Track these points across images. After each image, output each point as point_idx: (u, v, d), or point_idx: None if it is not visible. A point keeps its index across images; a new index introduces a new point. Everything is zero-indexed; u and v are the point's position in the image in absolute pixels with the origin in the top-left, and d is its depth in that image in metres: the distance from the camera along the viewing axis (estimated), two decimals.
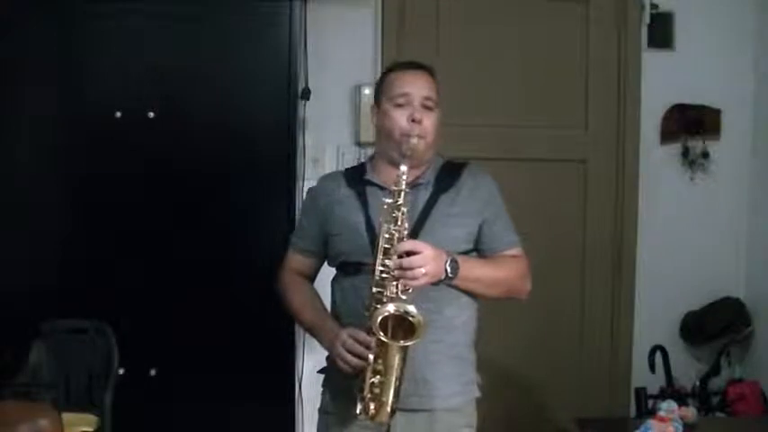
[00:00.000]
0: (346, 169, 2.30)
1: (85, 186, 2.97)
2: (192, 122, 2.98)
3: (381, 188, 2.09)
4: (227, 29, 2.98)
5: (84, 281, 2.92)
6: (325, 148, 3.29)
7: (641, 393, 3.24)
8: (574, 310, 3.50)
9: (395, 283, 1.91)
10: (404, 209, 1.94)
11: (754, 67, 3.49)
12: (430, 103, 2.12)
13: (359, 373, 1.94)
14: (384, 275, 1.92)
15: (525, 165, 3.43)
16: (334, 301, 2.17)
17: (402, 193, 1.94)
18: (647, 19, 3.43)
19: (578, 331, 3.50)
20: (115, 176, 2.94)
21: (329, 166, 3.20)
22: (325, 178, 2.29)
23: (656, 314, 3.50)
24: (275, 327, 2.90)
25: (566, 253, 3.48)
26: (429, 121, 2.10)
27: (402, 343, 1.88)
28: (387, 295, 1.91)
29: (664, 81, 3.45)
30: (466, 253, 2.10)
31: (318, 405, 2.22)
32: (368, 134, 3.20)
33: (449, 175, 2.16)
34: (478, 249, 2.15)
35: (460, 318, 2.11)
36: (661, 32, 3.45)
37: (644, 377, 3.36)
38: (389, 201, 1.94)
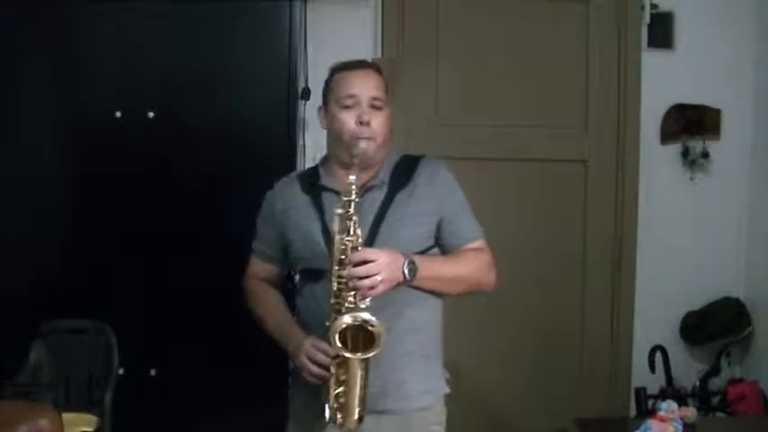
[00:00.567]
0: (301, 173, 2.26)
1: (85, 186, 2.97)
2: (192, 122, 2.98)
3: (337, 193, 2.03)
4: (227, 29, 2.98)
5: (84, 281, 2.92)
6: (324, 148, 3.28)
7: (641, 393, 3.24)
8: (574, 310, 3.49)
9: (352, 292, 1.88)
10: (355, 218, 1.90)
11: (754, 67, 3.48)
12: (378, 103, 2.07)
13: (325, 382, 1.93)
14: (341, 286, 1.89)
15: (525, 165, 3.43)
16: (298, 308, 2.15)
17: (352, 203, 1.90)
18: (647, 19, 3.43)
19: (578, 331, 3.50)
20: (115, 176, 2.94)
21: None
22: (281, 183, 2.23)
23: (656, 314, 3.50)
24: None
25: (566, 253, 3.48)
26: (378, 122, 2.05)
27: (361, 356, 1.86)
28: (345, 305, 1.88)
29: (664, 81, 3.45)
30: (427, 250, 2.07)
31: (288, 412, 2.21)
32: None
33: (404, 172, 2.10)
34: (440, 245, 2.11)
35: (424, 318, 2.09)
36: (661, 32, 3.44)
37: (644, 377, 3.35)
38: (340, 211, 1.91)
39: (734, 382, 3.40)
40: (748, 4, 3.48)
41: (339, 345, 1.85)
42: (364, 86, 2.07)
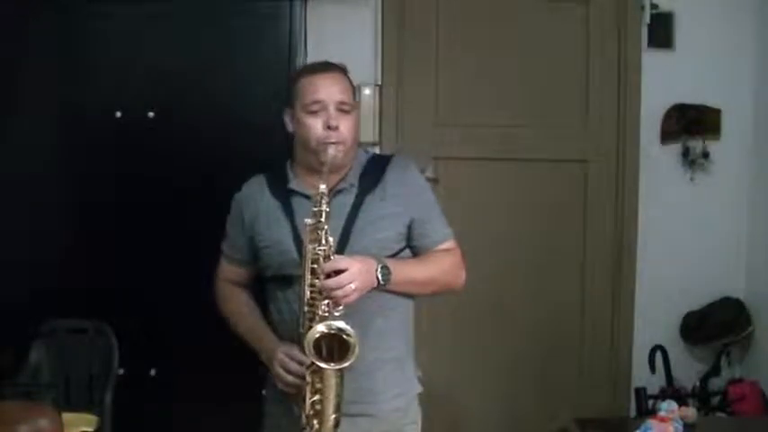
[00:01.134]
0: (268, 174, 2.20)
1: (85, 186, 2.97)
2: (192, 122, 2.98)
3: (307, 197, 2.01)
4: (227, 29, 2.98)
5: (85, 281, 2.92)
6: None
7: (641, 393, 3.24)
8: (574, 310, 3.49)
9: (325, 301, 1.86)
10: (326, 227, 1.88)
11: (755, 67, 3.48)
12: (346, 107, 2.03)
13: (299, 390, 1.92)
14: (314, 295, 1.88)
15: (525, 165, 3.43)
16: (270, 313, 2.12)
17: (323, 213, 1.88)
18: (647, 19, 3.43)
19: (578, 331, 3.50)
20: (115, 176, 2.95)
21: None
22: (249, 185, 2.19)
23: (656, 314, 3.50)
24: None
25: (566, 253, 3.48)
26: (346, 126, 2.02)
27: (336, 367, 1.84)
28: (318, 314, 1.87)
29: (664, 81, 3.45)
30: (398, 252, 2.06)
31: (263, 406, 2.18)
32: (367, 134, 3.21)
33: (372, 173, 2.08)
34: (411, 246, 2.10)
35: (396, 322, 2.08)
36: (661, 32, 3.44)
37: (644, 377, 3.35)
38: (311, 222, 1.88)
39: (734, 382, 3.40)
40: (748, 5, 3.48)
41: (314, 354, 1.84)
42: (330, 91, 2.03)
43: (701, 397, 3.34)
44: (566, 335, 3.49)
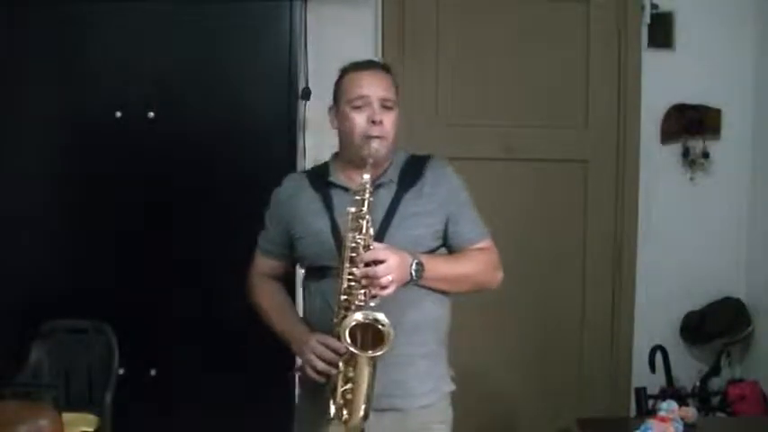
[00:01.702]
0: (310, 170, 2.27)
1: (85, 186, 2.97)
2: (192, 122, 2.98)
3: (346, 190, 2.06)
4: (227, 29, 2.98)
5: (85, 281, 2.92)
6: (324, 148, 3.28)
7: (641, 393, 3.24)
8: (574, 310, 3.49)
9: (362, 291, 1.89)
10: (368, 217, 1.92)
11: (754, 67, 3.48)
12: (389, 104, 2.08)
13: (329, 379, 1.93)
14: (352, 284, 1.91)
15: (525, 165, 3.43)
16: (304, 304, 2.16)
17: (366, 202, 1.92)
18: (647, 19, 3.43)
19: (578, 331, 3.50)
20: (115, 176, 2.95)
21: None
22: (289, 180, 2.24)
23: (656, 314, 3.50)
24: None
25: (566, 253, 3.48)
26: (389, 122, 2.07)
27: (371, 354, 1.86)
28: (355, 303, 1.90)
29: (664, 81, 3.45)
30: (434, 250, 2.08)
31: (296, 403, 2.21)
32: None
33: (412, 171, 2.12)
34: (447, 245, 2.12)
35: (429, 317, 2.09)
36: (661, 32, 3.44)
37: (644, 377, 3.35)
38: (353, 210, 1.93)
39: (734, 382, 3.40)
40: (748, 4, 3.48)
41: (349, 341, 1.86)
42: (375, 87, 2.09)
43: (701, 397, 3.34)
44: (566, 335, 3.49)
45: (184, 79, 2.98)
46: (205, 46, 2.98)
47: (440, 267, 2.04)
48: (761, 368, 3.42)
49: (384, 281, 1.87)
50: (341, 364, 1.90)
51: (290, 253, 2.17)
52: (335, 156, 2.21)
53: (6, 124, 2.94)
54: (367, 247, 1.91)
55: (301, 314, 2.17)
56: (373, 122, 2.04)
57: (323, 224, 2.06)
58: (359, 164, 2.02)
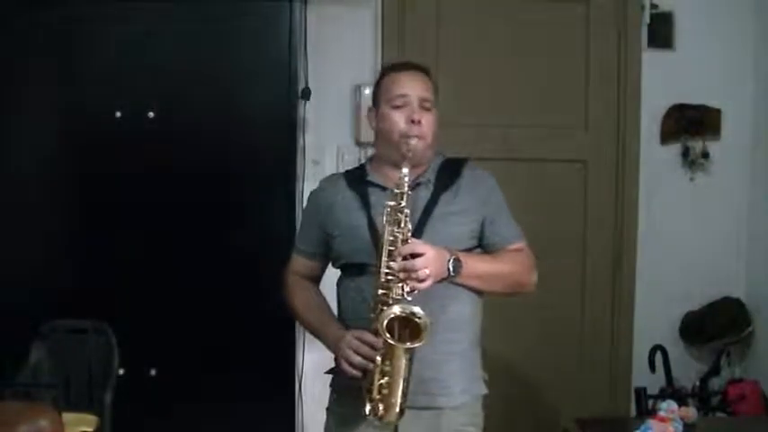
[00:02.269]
0: (347, 171, 2.29)
1: (85, 186, 2.97)
2: (192, 122, 2.98)
3: (383, 188, 2.09)
4: (228, 29, 2.98)
5: (85, 281, 2.92)
6: (325, 148, 3.29)
7: (641, 393, 3.24)
8: (574, 310, 3.49)
9: (400, 284, 1.91)
10: (407, 210, 1.95)
11: (754, 67, 3.48)
12: (428, 104, 2.12)
13: (364, 375, 1.94)
14: (389, 277, 1.92)
15: (525, 165, 3.43)
16: (339, 302, 2.17)
17: (405, 196, 1.95)
18: (647, 19, 3.43)
19: (578, 331, 3.50)
20: (115, 176, 2.94)
21: (329, 166, 3.20)
22: (326, 180, 2.28)
23: (656, 314, 3.50)
24: (275, 325, 2.90)
25: (566, 253, 3.47)
26: (427, 122, 2.10)
27: (409, 345, 1.88)
28: (392, 297, 1.91)
29: (664, 81, 3.45)
30: (470, 250, 2.10)
31: (326, 404, 2.21)
32: (368, 134, 3.17)
33: (449, 173, 2.15)
34: (483, 245, 2.15)
35: (465, 315, 2.11)
36: (661, 32, 3.44)
37: (644, 377, 3.35)
38: (392, 203, 1.95)
39: (734, 382, 3.40)
40: (748, 4, 3.48)
41: (387, 334, 1.87)
42: (414, 87, 2.11)
43: (700, 397, 3.34)
44: (566, 335, 3.49)
45: (184, 79, 2.97)
46: (205, 46, 2.98)
47: (477, 265, 2.06)
48: (761, 368, 3.42)
49: (422, 274, 1.89)
50: (377, 358, 1.91)
51: (326, 252, 2.19)
52: (372, 157, 2.25)
53: (6, 124, 2.94)
54: (405, 241, 1.93)
55: (335, 313, 2.18)
56: (412, 122, 2.07)
57: (360, 221, 2.09)
58: (397, 163, 2.03)
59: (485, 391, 2.18)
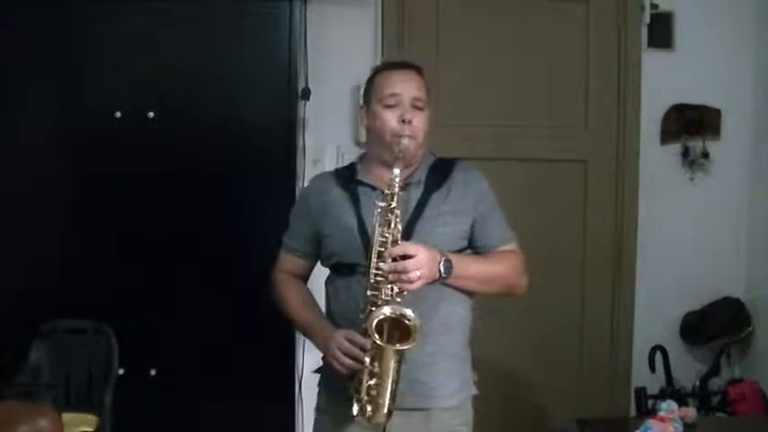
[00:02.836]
0: (337, 169, 2.28)
1: (85, 186, 2.97)
2: (192, 122, 2.98)
3: (373, 188, 2.09)
4: (228, 29, 2.98)
5: (85, 281, 2.92)
6: (325, 148, 3.29)
7: (641, 393, 3.24)
8: (574, 309, 3.49)
9: (389, 285, 1.90)
10: (397, 212, 1.94)
11: (754, 67, 3.49)
12: (420, 104, 2.10)
13: (354, 375, 1.94)
14: (379, 278, 1.91)
15: (525, 165, 3.43)
16: (328, 302, 2.17)
17: (395, 197, 1.94)
18: (647, 19, 3.43)
19: (578, 331, 3.50)
20: (115, 176, 2.94)
21: (329, 166, 3.19)
22: (317, 179, 2.27)
23: (656, 314, 3.50)
24: (275, 326, 2.88)
25: (566, 253, 3.47)
26: (419, 121, 2.08)
27: (398, 347, 1.87)
28: (382, 298, 1.91)
29: (664, 81, 3.45)
30: (460, 250, 2.09)
31: (315, 404, 2.22)
32: None
33: (440, 172, 2.14)
34: (473, 246, 2.14)
35: (456, 316, 2.11)
36: (661, 32, 3.45)
37: (644, 377, 3.36)
38: (383, 204, 1.94)
39: (734, 382, 3.40)
40: (748, 4, 3.48)
41: (376, 335, 1.86)
42: (407, 86, 2.10)
43: (700, 397, 3.34)
44: (566, 335, 3.49)
45: (184, 79, 2.97)
46: (205, 46, 2.98)
47: (469, 266, 2.05)
48: (761, 368, 3.42)
49: (412, 276, 1.88)
50: (366, 359, 1.91)
51: (315, 251, 2.19)
52: (362, 156, 2.24)
53: (6, 124, 2.94)
54: (395, 242, 1.92)
55: (325, 312, 2.17)
56: (404, 121, 2.06)
57: (350, 221, 2.08)
58: (388, 162, 2.03)
59: (475, 391, 2.17)
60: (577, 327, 3.50)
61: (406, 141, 2.04)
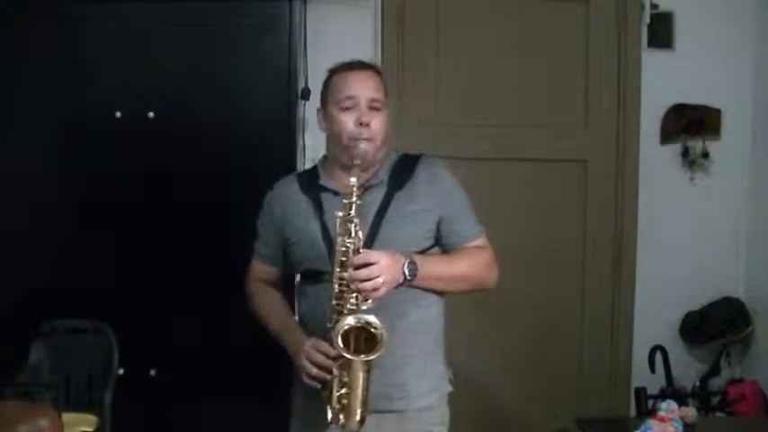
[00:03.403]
0: (299, 173, 2.26)
1: (85, 186, 2.97)
2: (192, 122, 2.98)
3: (336, 194, 2.05)
4: (227, 29, 2.98)
5: (85, 281, 2.92)
6: (324, 148, 3.28)
7: (641, 393, 3.24)
8: (574, 310, 3.49)
9: (354, 294, 1.88)
10: (356, 220, 1.91)
11: (754, 67, 3.49)
12: (377, 105, 2.06)
13: (324, 385, 1.93)
14: (342, 288, 1.90)
15: (525, 165, 3.43)
16: (299, 307, 2.16)
17: (353, 206, 1.91)
18: (647, 19, 3.43)
19: (578, 331, 3.50)
20: (115, 176, 2.95)
21: None
22: (280, 185, 2.22)
23: (656, 314, 3.50)
24: None
25: (566, 253, 3.48)
26: (377, 123, 2.05)
27: (364, 358, 1.86)
28: (347, 307, 1.89)
29: (664, 81, 3.45)
30: (426, 249, 2.07)
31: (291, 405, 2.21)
32: None
33: (402, 171, 2.11)
34: (441, 245, 2.11)
35: (426, 317, 2.09)
36: (661, 32, 3.45)
37: (644, 377, 3.35)
38: (341, 214, 1.91)
39: (734, 382, 3.40)
40: (748, 4, 3.48)
41: (342, 346, 1.86)
42: (363, 88, 2.07)
43: (700, 397, 3.34)
44: (566, 335, 3.49)
45: (184, 79, 2.97)
46: (205, 46, 2.98)
47: (435, 267, 2.03)
48: (761, 368, 3.42)
49: (375, 283, 1.86)
50: (335, 368, 1.90)
51: (286, 257, 2.17)
52: (324, 158, 2.19)
53: (6, 124, 2.94)
54: (357, 251, 1.90)
55: (297, 319, 2.16)
56: (361, 124, 2.02)
57: (314, 228, 2.06)
58: (346, 166, 2.00)
59: (450, 389, 2.16)
60: (577, 327, 3.50)
61: (363, 145, 2.00)
